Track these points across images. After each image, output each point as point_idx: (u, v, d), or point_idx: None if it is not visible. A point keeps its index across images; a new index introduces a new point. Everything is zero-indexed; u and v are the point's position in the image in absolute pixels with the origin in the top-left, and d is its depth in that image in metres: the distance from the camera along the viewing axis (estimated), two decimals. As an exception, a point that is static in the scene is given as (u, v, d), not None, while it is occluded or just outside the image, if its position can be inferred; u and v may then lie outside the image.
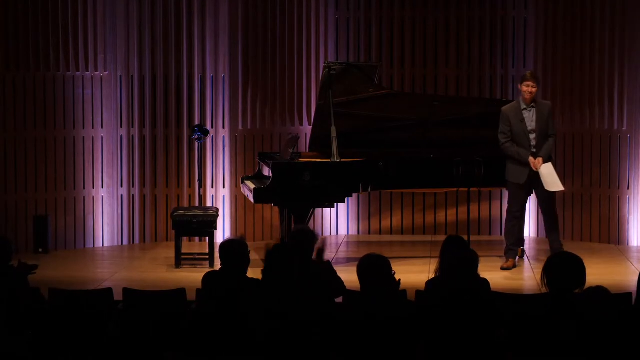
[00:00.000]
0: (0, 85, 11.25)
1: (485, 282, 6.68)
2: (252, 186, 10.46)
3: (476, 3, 12.17)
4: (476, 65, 12.26)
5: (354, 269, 6.30)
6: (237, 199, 11.97)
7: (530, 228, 11.92)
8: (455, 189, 10.99)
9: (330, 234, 12.30)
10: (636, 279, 6.33)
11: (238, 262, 6.70)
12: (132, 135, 11.91)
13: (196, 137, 11.20)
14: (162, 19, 11.83)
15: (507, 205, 10.57)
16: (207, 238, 10.65)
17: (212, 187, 11.98)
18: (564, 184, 11.34)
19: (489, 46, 12.23)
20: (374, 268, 6.15)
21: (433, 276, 6.89)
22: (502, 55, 12.24)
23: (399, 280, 6.32)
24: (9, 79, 11.30)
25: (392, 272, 6.21)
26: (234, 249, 6.75)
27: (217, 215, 10.83)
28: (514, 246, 10.26)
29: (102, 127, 11.80)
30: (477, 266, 6.59)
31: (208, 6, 11.84)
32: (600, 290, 5.41)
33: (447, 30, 12.25)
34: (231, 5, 11.85)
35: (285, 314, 6.04)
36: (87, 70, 11.68)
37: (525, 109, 10.04)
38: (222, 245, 6.86)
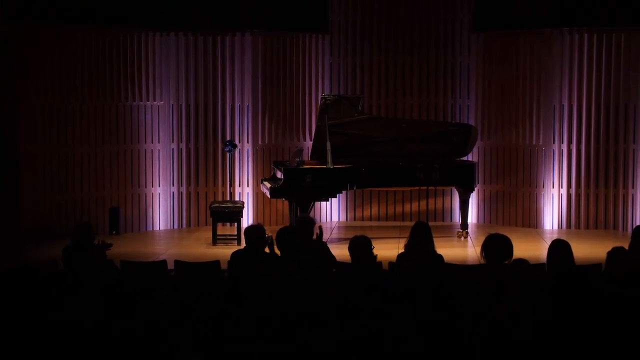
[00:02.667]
0: (85, 111, 11.26)
1: (439, 256, 6.71)
2: (269, 185, 10.46)
3: (433, 51, 12.16)
4: (433, 96, 12.25)
5: (344, 246, 6.31)
6: (257, 195, 11.97)
7: (472, 216, 11.92)
8: (418, 188, 11.01)
9: (326, 220, 12.30)
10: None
11: (257, 242, 6.71)
12: (181, 148, 11.91)
13: (227, 149, 11.19)
14: (203, 63, 11.83)
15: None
16: (236, 223, 10.63)
17: (239, 186, 11.98)
18: (497, 184, 11.29)
19: (442, 82, 12.22)
20: (360, 245, 6.17)
21: (402, 251, 6.90)
22: (451, 89, 12.23)
23: (376, 255, 6.34)
24: (92, 107, 11.29)
25: (372, 247, 6.23)
26: (254, 233, 6.76)
27: (242, 207, 10.84)
28: None
29: (159, 142, 11.80)
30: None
31: (237, 54, 11.85)
32: (523, 262, 5.43)
33: (411, 70, 12.24)
34: (253, 53, 11.86)
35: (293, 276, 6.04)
36: (148, 101, 11.68)
37: None
38: (246, 230, 6.87)
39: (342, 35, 12.26)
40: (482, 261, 5.87)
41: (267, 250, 6.79)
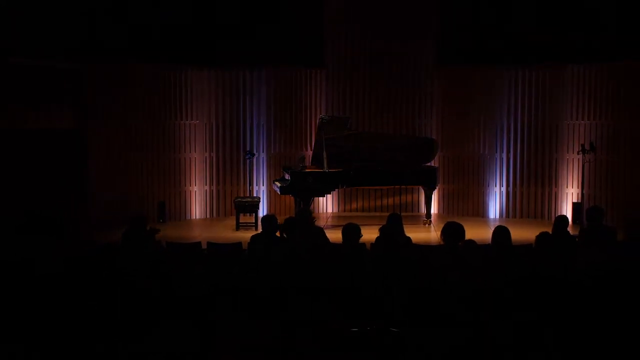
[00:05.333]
0: (140, 128, 11.29)
1: (408, 238, 6.72)
2: (279, 185, 10.48)
3: (405, 82, 12.15)
4: (404, 116, 12.24)
5: (338, 231, 6.31)
6: (270, 192, 11.99)
7: (434, 208, 11.92)
8: (393, 187, 11.00)
9: (323, 211, 12.32)
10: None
11: (271, 228, 6.73)
12: (212, 157, 11.93)
13: (247, 157, 11.23)
14: (230, 92, 11.86)
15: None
16: (254, 214, 10.67)
17: (257, 185, 12.01)
18: (453, 184, 11.28)
19: (412, 106, 12.22)
20: (352, 231, 6.18)
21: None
22: (419, 111, 12.24)
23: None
24: (145, 126, 11.33)
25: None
26: (269, 220, 6.78)
27: (259, 201, 10.86)
28: None
29: (195, 152, 11.82)
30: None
31: (254, 84, 11.88)
32: (472, 242, 5.45)
33: (389, 96, 12.23)
34: (267, 84, 11.90)
35: (294, 256, 6.05)
36: (187, 120, 11.71)
37: None
38: (263, 218, 6.89)
39: (335, 70, 12.27)
40: (442, 242, 5.89)
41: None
